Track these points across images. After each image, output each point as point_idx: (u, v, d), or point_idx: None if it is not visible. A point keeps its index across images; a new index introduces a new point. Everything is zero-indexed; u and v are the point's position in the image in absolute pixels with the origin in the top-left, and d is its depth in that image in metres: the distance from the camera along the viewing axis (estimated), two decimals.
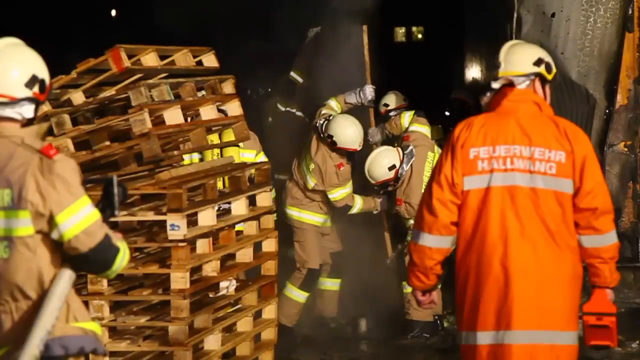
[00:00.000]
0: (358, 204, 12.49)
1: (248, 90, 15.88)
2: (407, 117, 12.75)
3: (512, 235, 6.80)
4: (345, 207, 12.53)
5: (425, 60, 27.30)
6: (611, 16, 12.60)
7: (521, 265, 6.80)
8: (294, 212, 12.69)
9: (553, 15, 12.71)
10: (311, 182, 12.49)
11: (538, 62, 7.07)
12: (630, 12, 12.63)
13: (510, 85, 7.00)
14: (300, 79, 14.10)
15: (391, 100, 14.51)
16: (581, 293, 7.00)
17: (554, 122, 7.02)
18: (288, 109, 13.90)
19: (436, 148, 12.45)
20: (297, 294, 12.44)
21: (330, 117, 12.45)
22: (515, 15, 12.80)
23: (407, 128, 12.66)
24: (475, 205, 6.87)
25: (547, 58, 7.13)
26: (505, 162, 6.84)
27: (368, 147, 12.75)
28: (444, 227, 6.89)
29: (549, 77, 7.11)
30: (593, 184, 6.89)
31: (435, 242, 6.91)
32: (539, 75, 7.05)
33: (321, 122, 12.52)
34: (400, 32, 33.41)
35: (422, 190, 11.65)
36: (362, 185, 12.90)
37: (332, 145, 12.36)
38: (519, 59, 7.06)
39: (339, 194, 12.44)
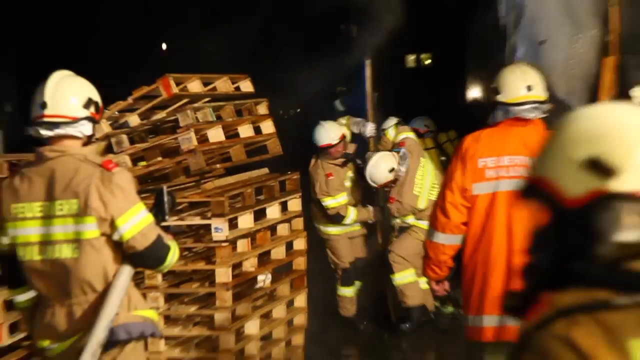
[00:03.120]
0: (351, 215, 12.19)
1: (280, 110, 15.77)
2: (391, 130, 12.52)
3: (516, 235, 6.86)
4: (338, 217, 12.20)
5: (433, 83, 27.21)
6: (592, 43, 12.60)
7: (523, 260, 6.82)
8: (319, 226, 12.49)
9: (542, 42, 12.71)
10: (312, 194, 12.23)
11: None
12: (609, 39, 12.63)
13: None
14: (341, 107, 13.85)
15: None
16: None
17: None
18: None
19: (425, 154, 12.37)
20: (344, 291, 12.35)
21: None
22: (509, 43, 12.80)
23: (396, 137, 12.40)
24: (483, 208, 6.94)
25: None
26: (508, 170, 6.93)
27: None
28: (455, 227, 6.96)
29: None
30: None
31: (448, 240, 6.97)
32: None
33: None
34: (410, 59, 33.28)
35: (413, 191, 11.56)
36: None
37: (322, 153, 12.15)
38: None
39: (329, 202, 12.12)
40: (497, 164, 6.94)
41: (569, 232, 2.61)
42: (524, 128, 7.07)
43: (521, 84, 7.13)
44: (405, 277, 11.76)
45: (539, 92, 7.25)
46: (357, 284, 12.59)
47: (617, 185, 2.54)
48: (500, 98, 7.09)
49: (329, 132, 12.07)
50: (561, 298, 2.57)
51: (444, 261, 7.06)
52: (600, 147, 2.55)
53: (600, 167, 2.54)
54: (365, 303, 12.68)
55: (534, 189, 2.70)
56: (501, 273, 6.88)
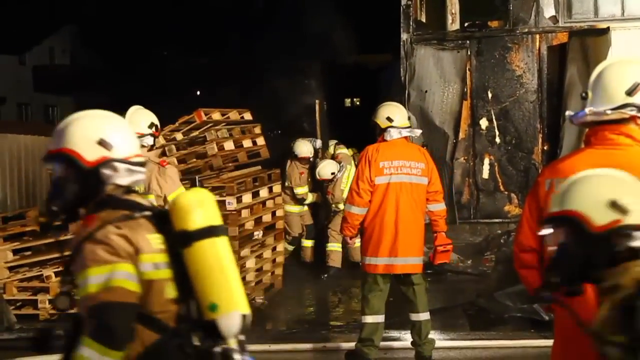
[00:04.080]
0: (309, 197, 11.75)
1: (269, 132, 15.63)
2: (331, 148, 12.25)
3: (401, 208, 6.89)
4: (302, 199, 11.73)
5: (361, 116, 27.26)
6: (456, 92, 12.64)
7: (404, 222, 6.89)
8: (291, 207, 11.70)
9: (426, 91, 12.73)
10: (287, 183, 11.59)
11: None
12: (465, 90, 12.66)
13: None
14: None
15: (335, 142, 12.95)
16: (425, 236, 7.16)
17: (417, 148, 7.24)
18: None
19: (352, 162, 11.85)
20: (288, 246, 11.60)
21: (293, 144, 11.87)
22: (406, 91, 12.80)
23: (334, 152, 12.10)
24: (381, 192, 6.92)
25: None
26: (397, 169, 6.96)
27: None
28: (364, 204, 6.95)
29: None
30: (435, 179, 7.08)
31: (359, 211, 6.96)
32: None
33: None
34: (347, 101, 33.38)
35: (341, 187, 11.26)
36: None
37: (296, 156, 11.63)
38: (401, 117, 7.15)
39: (300, 190, 11.63)
40: (390, 165, 6.95)
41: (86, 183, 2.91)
42: (404, 142, 7.10)
43: (405, 116, 7.16)
44: (333, 246, 11.34)
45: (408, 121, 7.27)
46: (311, 242, 11.99)
47: None
48: (394, 124, 7.04)
49: (309, 148, 11.73)
50: (103, 216, 2.84)
51: (357, 225, 7.05)
52: None
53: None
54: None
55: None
56: (391, 231, 6.90)
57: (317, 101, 12.34)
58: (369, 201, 6.94)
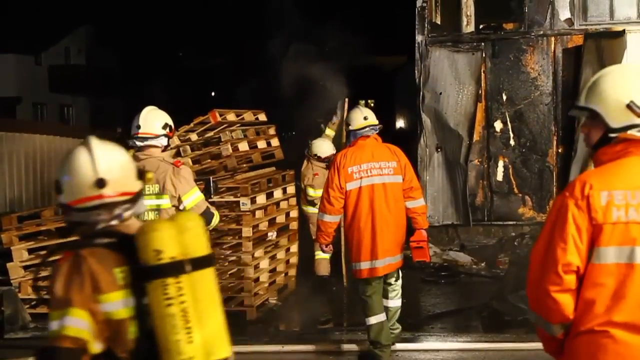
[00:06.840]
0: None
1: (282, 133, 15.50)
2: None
3: (376, 210, 6.94)
4: (313, 203, 10.25)
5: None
6: (470, 94, 12.59)
7: (380, 224, 6.94)
8: (309, 208, 10.46)
9: (441, 93, 12.69)
10: (303, 185, 10.55)
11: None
12: (480, 92, 12.62)
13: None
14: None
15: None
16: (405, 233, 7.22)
17: (387, 146, 7.18)
18: None
19: None
20: (322, 255, 9.84)
21: (310, 144, 10.64)
22: (421, 92, 12.77)
23: None
24: (354, 197, 6.98)
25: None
26: (367, 172, 6.99)
27: None
28: (337, 211, 7.02)
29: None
30: (410, 176, 7.09)
31: (332, 219, 7.05)
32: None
33: (306, 151, 10.62)
34: (361, 103, 33.39)
35: None
36: None
37: (317, 158, 10.41)
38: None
39: (313, 192, 10.31)
40: (359, 169, 6.99)
41: None
42: (370, 142, 7.11)
43: (360, 117, 7.15)
44: None
45: (373, 120, 7.22)
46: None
47: None
48: (350, 128, 7.18)
49: (326, 147, 10.54)
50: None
51: (331, 232, 7.12)
52: None
53: None
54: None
55: None
56: (369, 235, 6.94)
57: (346, 99, 11.84)
58: (342, 208, 7.01)
